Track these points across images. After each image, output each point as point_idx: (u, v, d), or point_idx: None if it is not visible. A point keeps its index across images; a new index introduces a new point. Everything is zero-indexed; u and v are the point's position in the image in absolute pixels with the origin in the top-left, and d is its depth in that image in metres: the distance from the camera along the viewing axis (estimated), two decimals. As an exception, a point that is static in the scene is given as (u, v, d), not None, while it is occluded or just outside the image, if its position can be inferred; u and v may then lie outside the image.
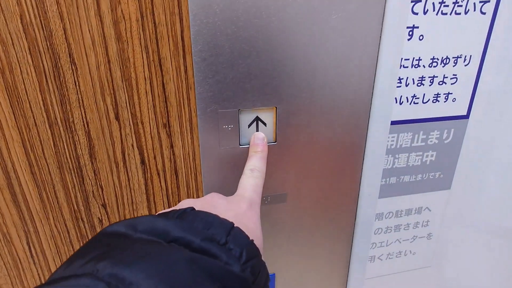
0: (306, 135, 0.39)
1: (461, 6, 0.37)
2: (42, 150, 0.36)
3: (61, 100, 0.34)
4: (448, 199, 0.49)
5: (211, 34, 0.33)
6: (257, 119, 0.38)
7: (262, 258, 0.26)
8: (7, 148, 0.35)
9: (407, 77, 0.40)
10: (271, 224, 0.44)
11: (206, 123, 0.37)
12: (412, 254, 0.53)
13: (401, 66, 0.39)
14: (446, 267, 0.55)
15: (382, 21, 0.36)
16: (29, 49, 0.31)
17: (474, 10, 0.38)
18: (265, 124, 0.38)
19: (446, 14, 0.37)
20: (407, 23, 0.37)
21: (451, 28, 0.38)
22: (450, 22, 0.38)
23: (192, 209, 0.26)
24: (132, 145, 0.37)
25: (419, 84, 0.40)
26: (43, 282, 0.18)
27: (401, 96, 0.41)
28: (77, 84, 0.33)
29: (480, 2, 0.37)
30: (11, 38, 0.31)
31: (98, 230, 0.41)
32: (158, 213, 0.26)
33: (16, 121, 0.34)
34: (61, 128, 0.35)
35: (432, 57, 0.39)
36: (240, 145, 0.39)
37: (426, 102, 0.42)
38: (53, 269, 0.43)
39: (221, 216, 0.25)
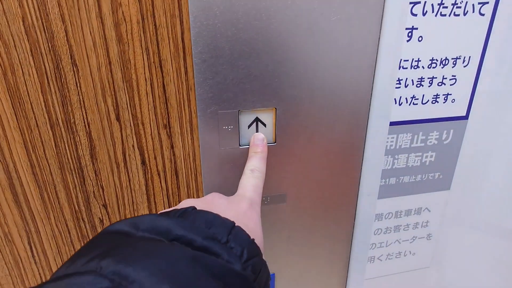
0: (306, 136, 0.40)
1: (460, 7, 0.37)
2: (44, 150, 0.36)
3: (63, 101, 0.34)
4: (447, 199, 0.49)
5: (211, 36, 0.33)
6: (257, 120, 0.38)
7: (263, 258, 0.26)
8: (9, 149, 0.35)
9: (406, 78, 0.40)
10: (271, 224, 0.44)
11: (206, 124, 0.37)
12: (411, 254, 0.53)
13: (400, 67, 0.39)
14: (445, 268, 0.55)
15: (381, 23, 0.36)
16: (31, 50, 0.32)
17: (473, 12, 0.38)
18: (264, 125, 0.38)
19: (445, 15, 0.37)
20: (406, 25, 0.37)
21: (450, 29, 0.38)
22: (449, 24, 0.38)
23: (194, 208, 0.26)
24: (133, 146, 0.37)
25: (418, 85, 0.41)
26: (44, 282, 0.18)
27: (400, 97, 0.41)
28: (78, 85, 0.34)
29: (479, 3, 0.38)
30: (13, 40, 0.31)
31: (99, 230, 0.41)
32: (159, 212, 0.26)
33: (18, 122, 0.34)
34: (62, 129, 0.35)
35: (431, 58, 0.39)
36: (240, 145, 0.39)
37: (425, 103, 0.42)
38: (54, 269, 0.43)
39: (222, 215, 0.25)
